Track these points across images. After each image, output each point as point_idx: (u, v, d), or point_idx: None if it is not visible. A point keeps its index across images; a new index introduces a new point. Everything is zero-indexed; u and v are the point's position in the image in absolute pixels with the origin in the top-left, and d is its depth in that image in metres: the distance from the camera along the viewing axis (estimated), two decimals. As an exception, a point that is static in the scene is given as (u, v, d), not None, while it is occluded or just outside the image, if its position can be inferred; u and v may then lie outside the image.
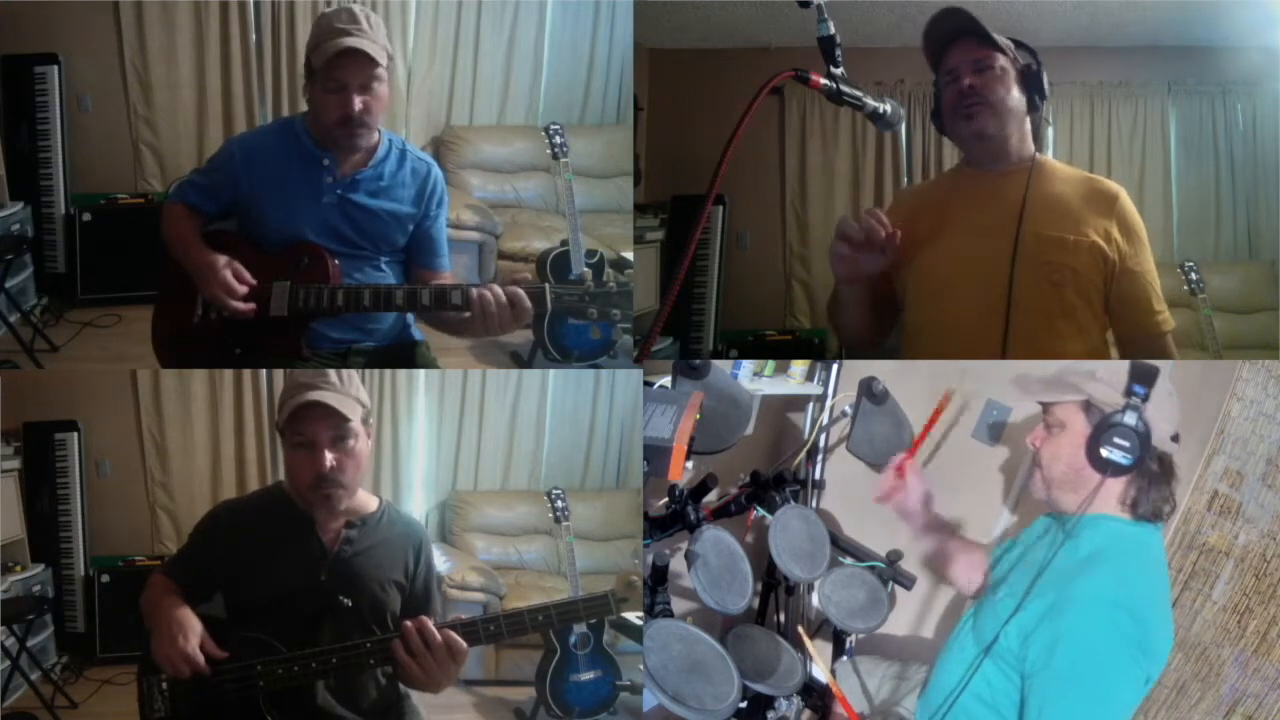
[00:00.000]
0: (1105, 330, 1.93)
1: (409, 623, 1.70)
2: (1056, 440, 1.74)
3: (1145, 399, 1.63)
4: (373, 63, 1.91)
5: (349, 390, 1.79)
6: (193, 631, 1.70)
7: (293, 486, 1.82)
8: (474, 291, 1.90)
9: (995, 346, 1.85)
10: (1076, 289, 1.85)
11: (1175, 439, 1.69)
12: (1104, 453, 1.63)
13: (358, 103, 1.92)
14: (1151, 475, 1.66)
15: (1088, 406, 1.69)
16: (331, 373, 1.79)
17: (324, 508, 1.79)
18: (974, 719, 1.71)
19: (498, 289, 1.90)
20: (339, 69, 1.90)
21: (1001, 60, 1.88)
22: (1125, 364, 1.69)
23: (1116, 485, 1.67)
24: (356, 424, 1.78)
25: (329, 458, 1.75)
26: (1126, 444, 1.61)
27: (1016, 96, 1.89)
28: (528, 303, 1.89)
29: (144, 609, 1.80)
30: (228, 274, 1.94)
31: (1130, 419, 1.61)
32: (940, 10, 1.89)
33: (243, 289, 1.95)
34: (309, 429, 1.75)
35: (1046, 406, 1.77)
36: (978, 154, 1.96)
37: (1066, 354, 1.85)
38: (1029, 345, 1.85)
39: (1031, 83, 1.90)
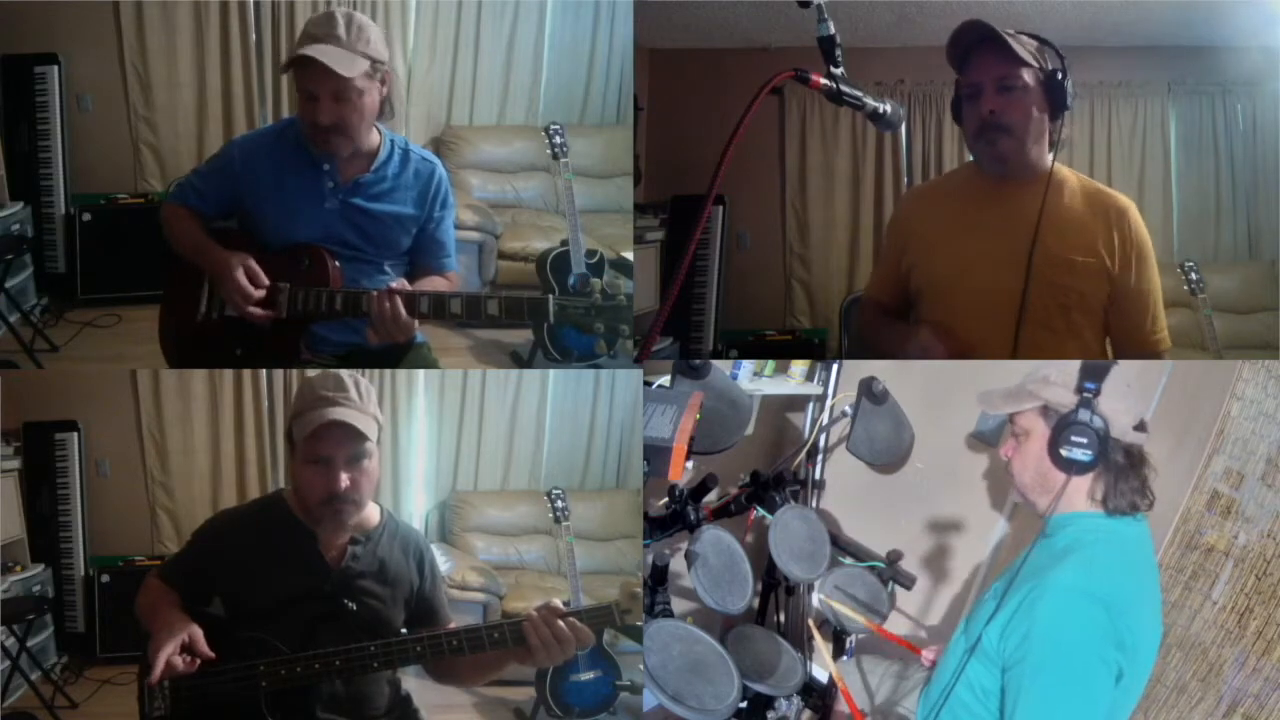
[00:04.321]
0: (1105, 341, 1.94)
1: (537, 613, 1.68)
2: (1024, 448, 1.75)
3: (1096, 393, 1.65)
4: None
5: (367, 407, 1.76)
6: (185, 636, 1.67)
7: (300, 500, 1.80)
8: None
9: (1005, 352, 1.86)
10: (1082, 310, 1.87)
11: (1140, 427, 1.69)
12: (1064, 453, 1.65)
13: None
14: (1118, 468, 1.67)
15: (1046, 411, 1.71)
16: (350, 386, 1.76)
17: (332, 523, 1.76)
18: (974, 716, 1.72)
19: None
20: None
21: (1025, 76, 1.84)
22: (1077, 363, 1.70)
23: (1084, 482, 1.68)
24: (373, 443, 1.76)
25: (344, 478, 1.73)
26: (1084, 440, 1.63)
27: (1039, 114, 1.86)
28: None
29: (140, 613, 1.79)
30: (243, 278, 1.91)
31: (1084, 416, 1.64)
32: (964, 23, 1.84)
33: (259, 292, 1.92)
34: (326, 448, 1.73)
35: (1012, 417, 1.78)
36: (994, 168, 1.93)
37: None
38: (1035, 357, 1.85)
39: (1055, 92, 1.85)
